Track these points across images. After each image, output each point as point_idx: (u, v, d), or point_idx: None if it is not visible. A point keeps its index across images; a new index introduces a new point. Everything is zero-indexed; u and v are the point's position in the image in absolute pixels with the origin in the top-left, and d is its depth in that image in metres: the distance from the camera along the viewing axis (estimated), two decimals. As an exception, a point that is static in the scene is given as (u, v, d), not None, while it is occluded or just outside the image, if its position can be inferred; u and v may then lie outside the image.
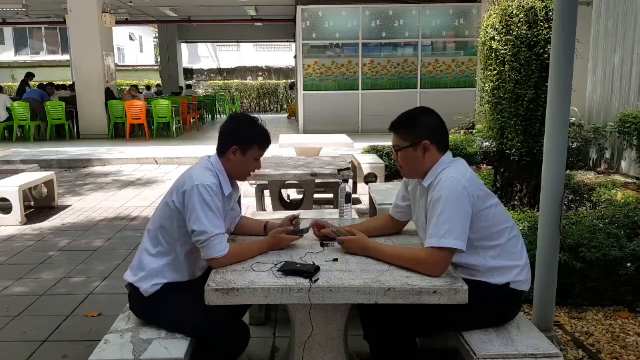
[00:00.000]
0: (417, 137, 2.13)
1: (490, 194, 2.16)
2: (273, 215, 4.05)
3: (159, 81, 23.25)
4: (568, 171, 6.26)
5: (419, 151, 2.13)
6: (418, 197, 2.25)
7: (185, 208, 2.09)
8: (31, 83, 15.19)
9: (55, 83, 15.20)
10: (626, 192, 5.50)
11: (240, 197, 4.89)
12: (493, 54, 4.95)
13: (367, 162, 6.60)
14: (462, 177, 2.04)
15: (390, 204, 4.13)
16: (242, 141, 2.22)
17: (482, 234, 2.08)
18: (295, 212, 2.36)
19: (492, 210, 2.10)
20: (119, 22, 15.04)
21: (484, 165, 7.75)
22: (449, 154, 2.19)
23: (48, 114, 12.52)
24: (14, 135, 12.73)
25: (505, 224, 2.14)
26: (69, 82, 16.62)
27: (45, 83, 14.84)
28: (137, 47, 36.88)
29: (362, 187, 6.39)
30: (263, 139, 2.27)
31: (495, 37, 4.89)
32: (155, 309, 2.15)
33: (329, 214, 4.16)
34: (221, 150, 2.25)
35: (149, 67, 31.18)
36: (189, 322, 2.11)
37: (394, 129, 2.21)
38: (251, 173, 2.34)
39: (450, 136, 8.73)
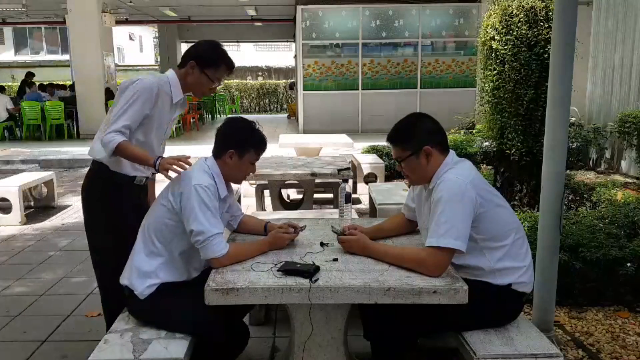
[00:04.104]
0: (417, 145, 2.12)
1: (496, 195, 2.15)
2: (273, 215, 4.05)
3: (159, 81, 23.18)
4: (568, 171, 6.26)
5: (422, 158, 2.13)
6: (423, 200, 2.25)
7: (182, 209, 2.09)
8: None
9: (54, 83, 15.19)
10: (626, 192, 5.49)
11: (240, 196, 4.91)
12: (493, 54, 4.95)
13: (367, 162, 6.60)
14: (465, 177, 2.04)
15: (391, 204, 4.16)
16: (240, 145, 2.23)
17: (488, 235, 2.08)
18: (297, 224, 2.36)
19: (498, 211, 2.10)
20: (119, 22, 15.03)
21: (484, 165, 7.74)
22: (452, 154, 2.18)
23: (47, 114, 12.53)
24: (24, 134, 12.76)
25: (511, 225, 2.14)
26: (68, 83, 16.62)
27: (45, 83, 14.83)
28: (137, 47, 36.85)
29: (362, 187, 6.39)
30: (260, 144, 2.29)
31: (495, 37, 4.89)
32: (153, 311, 2.15)
33: (329, 214, 4.15)
34: (218, 153, 2.26)
35: (149, 67, 31.14)
36: (187, 322, 2.11)
37: (392, 141, 2.20)
38: (246, 177, 2.38)
39: (450, 136, 8.76)
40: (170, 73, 2.53)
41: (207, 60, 2.46)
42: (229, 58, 2.52)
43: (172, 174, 2.14)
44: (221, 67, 2.49)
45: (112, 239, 2.37)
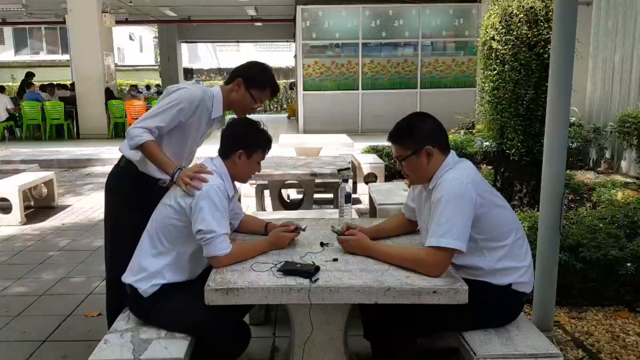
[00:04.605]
0: (418, 144, 2.12)
1: (496, 195, 2.15)
2: (273, 215, 4.05)
3: (159, 81, 23.25)
4: (568, 171, 6.26)
5: (423, 157, 2.12)
6: (423, 200, 2.25)
7: (192, 209, 2.09)
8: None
9: (54, 83, 15.19)
10: (626, 192, 5.50)
11: (240, 196, 4.91)
12: (493, 54, 4.95)
13: (367, 162, 6.60)
14: (465, 178, 2.04)
15: (391, 204, 4.16)
16: (247, 146, 2.26)
17: (488, 235, 2.08)
18: (298, 224, 2.37)
19: (498, 212, 2.10)
20: (119, 22, 15.04)
21: (484, 165, 7.75)
22: (453, 154, 2.18)
23: (47, 114, 12.54)
24: (24, 134, 12.78)
25: (511, 224, 2.14)
26: (68, 82, 16.62)
27: (45, 83, 14.83)
28: (137, 47, 36.85)
29: (362, 187, 6.39)
30: (267, 143, 2.33)
31: (496, 37, 4.89)
32: (155, 310, 2.15)
33: (329, 214, 4.15)
34: (226, 154, 2.28)
35: (149, 67, 31.15)
36: (189, 322, 2.11)
37: (393, 140, 2.20)
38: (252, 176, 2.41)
39: (450, 136, 8.81)
40: (216, 89, 2.59)
41: (255, 81, 2.53)
42: (276, 83, 2.60)
43: (189, 190, 2.12)
44: (266, 90, 2.56)
45: (133, 237, 2.37)
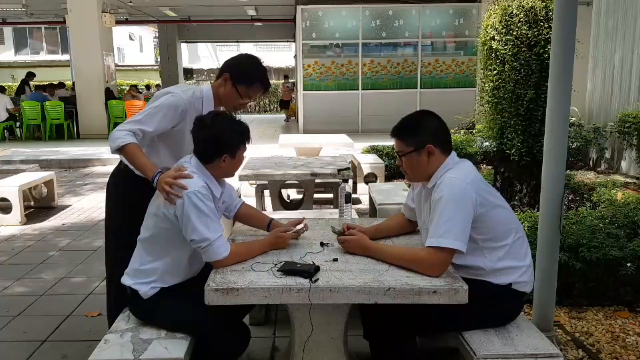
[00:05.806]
0: (421, 142, 2.12)
1: (496, 195, 2.15)
2: (273, 215, 4.04)
3: (159, 81, 23.24)
4: (568, 171, 6.26)
5: (423, 155, 2.12)
6: (423, 200, 2.24)
7: (179, 218, 2.04)
8: (31, 83, 15.18)
9: (54, 83, 15.18)
10: (626, 192, 5.50)
11: (240, 197, 4.90)
12: (493, 54, 4.95)
13: (367, 162, 6.60)
14: (465, 178, 2.04)
15: (391, 204, 4.16)
16: (230, 147, 2.15)
17: (488, 235, 2.08)
18: (300, 218, 2.34)
19: (498, 212, 2.10)
20: (119, 22, 15.04)
21: (484, 165, 7.74)
22: (453, 155, 2.18)
23: (47, 114, 12.54)
24: (24, 134, 12.78)
25: (511, 224, 2.13)
26: (68, 82, 16.62)
27: (45, 84, 14.81)
28: (137, 47, 36.85)
29: (362, 187, 6.39)
30: (247, 135, 2.21)
31: (496, 37, 4.89)
32: (156, 311, 2.15)
33: (329, 214, 4.15)
34: (208, 160, 2.16)
35: (149, 67, 31.16)
36: (189, 323, 2.11)
37: (396, 135, 2.19)
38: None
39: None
40: (206, 87, 2.47)
41: (241, 76, 2.40)
42: (266, 78, 2.45)
43: (171, 198, 2.04)
44: (254, 85, 2.43)
45: (133, 238, 2.34)
